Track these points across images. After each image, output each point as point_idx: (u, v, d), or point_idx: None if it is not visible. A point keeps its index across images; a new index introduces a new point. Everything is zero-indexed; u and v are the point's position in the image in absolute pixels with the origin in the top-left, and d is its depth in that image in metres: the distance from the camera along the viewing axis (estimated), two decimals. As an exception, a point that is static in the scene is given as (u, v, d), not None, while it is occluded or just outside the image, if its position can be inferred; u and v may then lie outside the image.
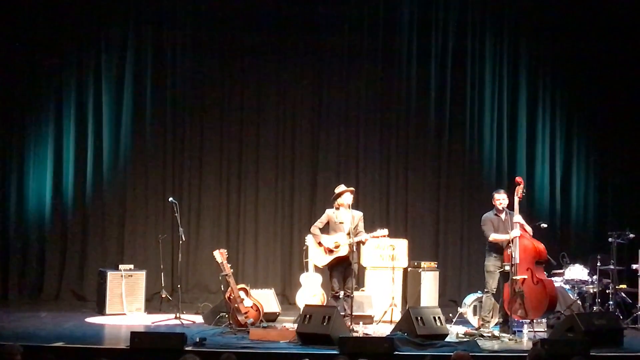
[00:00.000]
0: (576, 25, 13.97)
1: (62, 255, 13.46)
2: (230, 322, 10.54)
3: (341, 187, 10.89)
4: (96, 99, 13.60)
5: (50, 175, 13.50)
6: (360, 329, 10.37)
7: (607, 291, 11.75)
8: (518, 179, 10.79)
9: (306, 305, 10.18)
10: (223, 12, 13.79)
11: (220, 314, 10.95)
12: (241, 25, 13.77)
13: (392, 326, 10.32)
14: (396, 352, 8.77)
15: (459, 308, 11.77)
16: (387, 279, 11.75)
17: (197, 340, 9.16)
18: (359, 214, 10.85)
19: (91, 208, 13.55)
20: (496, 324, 10.79)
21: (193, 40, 13.81)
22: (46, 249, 13.46)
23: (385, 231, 10.78)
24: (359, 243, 10.69)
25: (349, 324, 10.17)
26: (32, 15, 13.48)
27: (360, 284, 12.05)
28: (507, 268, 10.31)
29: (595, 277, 11.70)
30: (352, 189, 10.89)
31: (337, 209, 10.82)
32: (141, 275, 12.27)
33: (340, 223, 10.75)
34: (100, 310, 11.99)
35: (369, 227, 11.02)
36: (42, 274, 13.40)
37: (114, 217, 13.60)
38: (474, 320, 11.23)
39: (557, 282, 11.56)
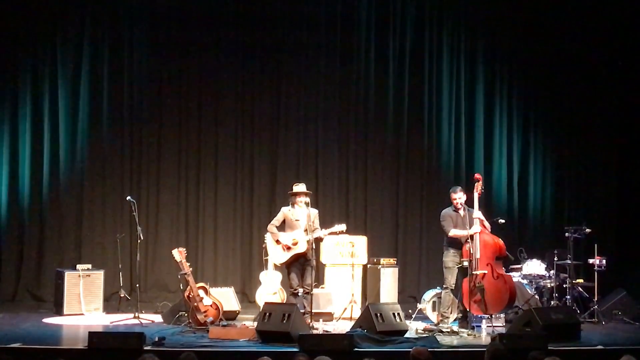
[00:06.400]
0: (532, 21, 14.12)
1: (19, 255, 13.23)
2: (190, 321, 10.52)
3: (300, 187, 10.90)
4: (52, 98, 13.35)
5: (5, 175, 13.25)
6: (320, 326, 10.40)
7: (564, 286, 11.88)
8: (477, 175, 10.93)
9: (266, 303, 10.17)
10: (180, 9, 13.69)
11: (180, 313, 10.91)
12: (199, 23, 13.67)
13: (352, 323, 10.37)
14: (356, 349, 8.79)
15: (418, 304, 11.86)
16: (347, 276, 11.79)
17: (156, 339, 9.11)
18: (314, 212, 10.89)
19: (48, 208, 13.33)
20: (455, 320, 10.88)
21: (150, 37, 13.68)
22: (2, 250, 13.24)
23: (344, 226, 10.82)
24: (316, 239, 10.74)
25: (309, 321, 10.20)
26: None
27: (319, 281, 12.07)
28: (466, 264, 10.40)
29: (552, 272, 11.83)
30: (309, 192, 10.95)
31: (293, 206, 10.84)
32: (99, 275, 12.18)
33: (296, 220, 10.80)
34: (58, 310, 11.88)
35: (329, 223, 11.03)
36: (-1, 275, 13.23)
37: (71, 217, 13.39)
38: (433, 316, 11.30)
39: (515, 277, 11.66)
